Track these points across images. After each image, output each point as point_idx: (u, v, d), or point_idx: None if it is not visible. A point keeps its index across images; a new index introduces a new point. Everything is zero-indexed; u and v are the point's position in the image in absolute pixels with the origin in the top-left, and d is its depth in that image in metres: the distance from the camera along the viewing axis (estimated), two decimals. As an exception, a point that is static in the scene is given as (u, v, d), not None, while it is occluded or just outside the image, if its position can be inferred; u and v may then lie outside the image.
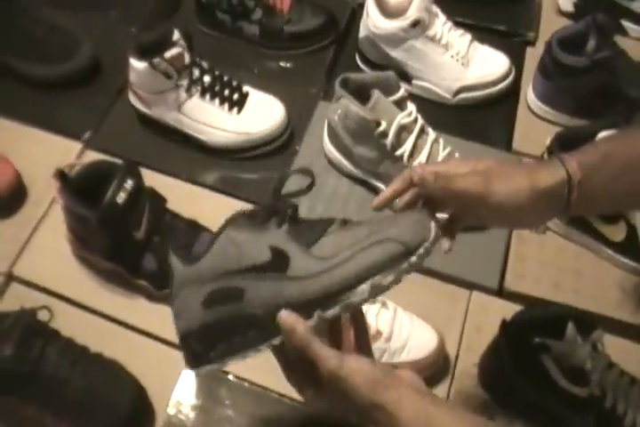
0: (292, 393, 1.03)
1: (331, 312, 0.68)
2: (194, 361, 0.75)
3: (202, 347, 0.73)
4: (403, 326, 1.02)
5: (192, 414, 1.04)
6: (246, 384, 1.06)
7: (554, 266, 1.16)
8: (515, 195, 0.73)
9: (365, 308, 0.98)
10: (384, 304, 1.03)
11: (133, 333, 1.12)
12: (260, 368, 1.07)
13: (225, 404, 1.05)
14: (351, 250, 0.68)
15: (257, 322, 0.69)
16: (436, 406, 0.65)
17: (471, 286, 1.14)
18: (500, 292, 1.14)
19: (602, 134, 1.06)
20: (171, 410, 1.04)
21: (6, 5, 1.35)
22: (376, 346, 0.98)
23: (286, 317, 0.67)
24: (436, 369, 1.05)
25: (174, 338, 1.07)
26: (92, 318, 1.13)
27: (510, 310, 1.00)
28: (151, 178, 1.14)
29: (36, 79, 1.40)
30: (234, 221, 0.72)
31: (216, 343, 0.72)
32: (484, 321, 1.09)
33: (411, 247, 0.67)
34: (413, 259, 0.67)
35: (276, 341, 0.69)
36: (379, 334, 1.00)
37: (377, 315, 1.01)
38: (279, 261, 0.68)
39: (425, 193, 0.78)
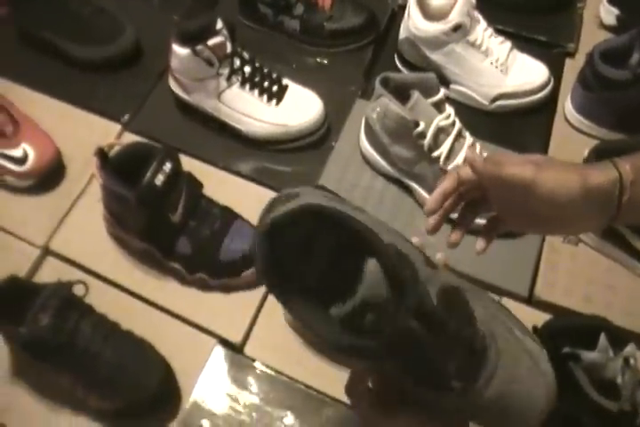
0: (319, 386, 1.06)
1: None
2: None
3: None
4: None
5: (218, 400, 1.06)
6: (273, 373, 1.08)
7: (585, 278, 1.15)
8: (566, 186, 0.71)
9: None
10: None
11: (163, 314, 1.14)
12: (287, 358, 1.09)
13: (252, 391, 1.06)
14: None
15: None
16: None
17: (501, 292, 1.14)
18: (530, 300, 1.14)
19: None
20: (197, 394, 1.06)
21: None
22: None
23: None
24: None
25: (203, 322, 1.12)
26: (124, 297, 1.15)
27: (539, 318, 1.00)
28: (187, 163, 1.15)
29: (79, 60, 1.42)
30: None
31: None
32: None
33: None
34: None
35: None
36: None
37: None
38: None
39: (468, 190, 0.78)
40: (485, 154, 1.17)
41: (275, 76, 1.29)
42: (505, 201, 0.77)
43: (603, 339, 0.91)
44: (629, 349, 0.91)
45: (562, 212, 0.73)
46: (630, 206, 0.71)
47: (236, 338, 1.10)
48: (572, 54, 1.45)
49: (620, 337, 0.93)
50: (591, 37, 1.42)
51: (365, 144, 1.27)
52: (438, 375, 0.63)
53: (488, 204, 0.81)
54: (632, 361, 0.91)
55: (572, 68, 1.39)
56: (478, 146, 1.18)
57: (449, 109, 1.16)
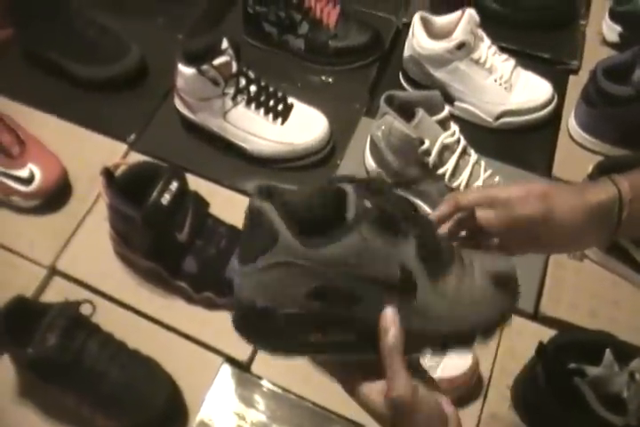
0: (326, 403, 1.06)
1: (435, 354, 0.67)
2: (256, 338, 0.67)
3: (286, 332, 0.65)
4: None
5: (225, 418, 1.05)
6: (280, 391, 1.08)
7: (590, 293, 1.15)
8: (571, 213, 0.72)
9: None
10: None
11: (170, 333, 1.13)
12: (294, 375, 1.08)
13: (259, 409, 1.06)
14: (471, 304, 0.66)
15: (363, 332, 0.64)
16: None
17: (506, 307, 1.14)
18: (535, 316, 1.14)
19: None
20: (204, 412, 1.05)
21: (62, 5, 1.37)
22: None
23: (391, 315, 0.62)
24: (469, 389, 1.05)
25: (210, 340, 1.11)
26: (131, 316, 1.15)
27: (545, 334, 1.00)
28: (193, 183, 1.15)
29: (84, 80, 1.43)
30: (369, 218, 0.62)
31: (300, 334, 0.64)
32: (519, 344, 1.09)
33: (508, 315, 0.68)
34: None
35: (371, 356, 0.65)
36: None
37: None
38: (406, 285, 0.64)
39: (470, 221, 0.76)
40: (488, 172, 1.17)
41: (280, 94, 1.30)
42: (512, 236, 0.76)
43: (608, 354, 0.92)
44: (635, 363, 0.92)
45: (566, 235, 0.74)
46: (629, 222, 0.71)
47: (242, 356, 1.10)
48: (575, 71, 1.46)
49: (625, 352, 0.93)
50: (594, 54, 1.43)
51: (370, 162, 1.27)
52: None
53: (489, 234, 0.80)
54: (638, 376, 0.91)
55: (576, 84, 1.40)
56: (483, 163, 1.18)
57: (453, 127, 1.16)
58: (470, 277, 0.67)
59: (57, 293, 1.16)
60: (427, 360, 1.00)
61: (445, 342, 0.66)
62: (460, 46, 1.29)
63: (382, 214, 0.62)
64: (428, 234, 0.65)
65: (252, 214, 0.62)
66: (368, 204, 0.61)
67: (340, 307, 0.63)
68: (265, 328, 0.65)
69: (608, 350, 0.92)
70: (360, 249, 0.61)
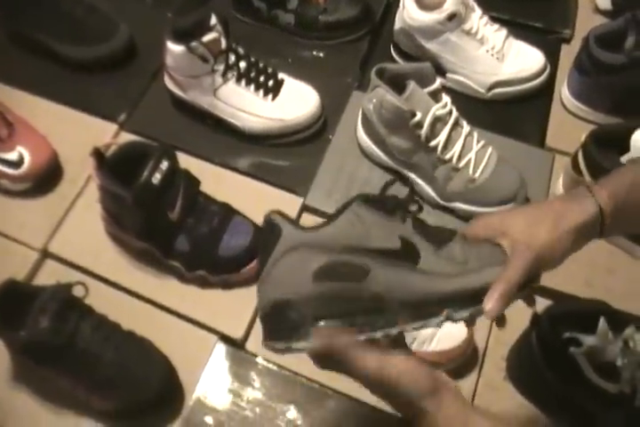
0: (321, 378, 1.06)
1: (460, 314, 0.67)
2: (278, 335, 0.68)
3: (300, 319, 0.66)
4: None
5: (221, 396, 1.05)
6: (276, 368, 1.07)
7: (586, 263, 1.14)
8: (559, 246, 0.72)
9: None
10: None
11: (164, 312, 1.13)
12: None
13: (254, 386, 1.06)
14: (479, 263, 0.68)
15: (380, 307, 0.66)
16: (474, 411, 0.66)
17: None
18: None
19: (637, 133, 1.06)
20: (200, 391, 1.05)
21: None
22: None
23: (323, 331, 0.65)
24: (464, 360, 1.05)
25: (204, 319, 1.11)
26: (124, 297, 1.15)
27: (540, 304, 0.99)
28: (184, 161, 1.14)
29: (73, 60, 1.41)
30: (361, 199, 0.68)
31: (321, 319, 0.66)
32: (513, 315, 1.08)
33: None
34: None
35: (395, 330, 0.66)
36: None
37: None
38: (409, 252, 0.67)
39: None
40: (481, 143, 1.16)
41: (270, 70, 1.29)
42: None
43: (602, 322, 0.91)
44: (629, 331, 0.92)
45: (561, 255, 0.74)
46: (612, 228, 0.74)
47: (237, 334, 1.10)
48: (567, 40, 1.45)
49: (619, 320, 0.93)
50: (586, 22, 1.41)
51: (362, 136, 1.26)
52: None
53: None
54: (632, 344, 0.91)
55: (568, 53, 1.38)
56: (475, 134, 1.17)
57: (445, 99, 1.15)
58: (477, 247, 0.70)
59: (49, 275, 1.16)
60: (421, 332, 1.00)
61: (454, 302, 0.67)
62: (451, 17, 1.28)
63: (371, 196, 0.69)
64: (415, 215, 0.70)
65: (265, 230, 0.69)
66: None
67: (348, 283, 0.65)
68: (286, 322, 0.67)
69: (602, 319, 0.92)
70: (355, 224, 0.66)
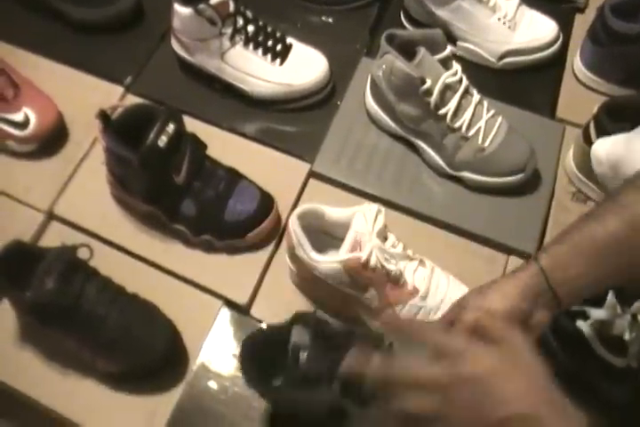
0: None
1: None
2: None
3: None
4: (439, 285, 1.02)
5: (225, 361, 1.06)
6: (280, 334, 1.08)
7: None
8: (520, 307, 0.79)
9: (404, 264, 0.99)
10: (422, 262, 1.03)
11: (169, 276, 1.13)
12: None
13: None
14: None
15: None
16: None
17: (509, 250, 1.14)
18: (538, 260, 1.13)
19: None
20: (204, 355, 1.06)
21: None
22: (412, 303, 0.99)
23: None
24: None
25: (209, 284, 1.11)
26: (129, 260, 1.15)
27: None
28: (191, 125, 1.13)
29: (79, 22, 1.39)
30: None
31: None
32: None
33: None
34: None
35: None
36: (415, 291, 0.99)
37: (414, 271, 1.01)
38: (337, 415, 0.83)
39: None
40: (491, 112, 1.15)
41: (279, 35, 1.27)
42: None
43: (611, 296, 0.91)
44: (638, 305, 0.91)
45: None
46: (569, 292, 0.79)
47: (242, 299, 1.09)
48: (581, 9, 1.43)
49: (628, 294, 0.93)
50: (602, -9, 1.39)
51: (371, 102, 1.25)
52: None
53: None
54: (640, 318, 0.91)
55: (582, 23, 1.37)
56: (486, 103, 1.16)
57: (456, 66, 1.14)
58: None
59: (54, 237, 1.15)
60: (427, 301, 1.00)
61: None
62: (464, -17, 1.26)
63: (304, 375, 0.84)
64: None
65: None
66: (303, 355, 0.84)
67: None
68: None
69: (611, 293, 0.91)
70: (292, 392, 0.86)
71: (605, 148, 1.10)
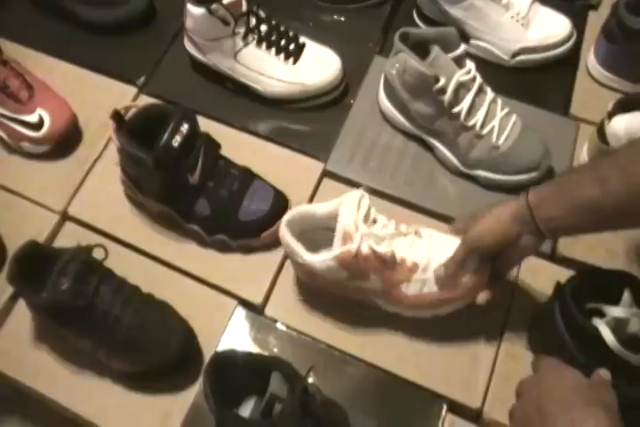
0: (340, 345, 1.06)
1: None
2: None
3: None
4: (440, 249, 1.00)
5: (240, 361, 1.05)
6: (295, 334, 1.08)
7: (609, 233, 1.11)
8: (487, 232, 0.93)
9: (399, 242, 1.00)
10: (417, 233, 1.02)
11: (183, 276, 1.14)
12: (309, 318, 1.08)
13: (273, 352, 1.06)
14: None
15: None
16: None
17: (524, 249, 1.13)
18: (553, 256, 1.13)
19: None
20: (219, 355, 1.06)
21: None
22: (415, 278, 0.99)
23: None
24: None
25: (224, 283, 1.12)
26: (143, 260, 1.15)
27: (562, 274, 0.99)
28: (205, 125, 1.13)
29: (92, 23, 1.40)
30: None
31: None
32: (536, 285, 1.09)
33: None
34: None
35: None
36: (415, 266, 0.98)
37: (411, 246, 1.00)
38: None
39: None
40: (505, 111, 1.15)
41: (291, 34, 1.27)
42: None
43: (627, 294, 0.90)
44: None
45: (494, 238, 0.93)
46: (548, 227, 0.88)
47: (256, 299, 1.10)
48: (595, 7, 1.42)
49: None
50: (615, -12, 1.38)
51: (384, 101, 1.25)
52: None
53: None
54: (657, 316, 0.90)
55: (596, 20, 1.36)
56: (499, 101, 1.15)
57: (469, 64, 1.13)
58: None
59: (69, 238, 1.15)
60: (428, 273, 0.99)
61: None
62: (477, -19, 1.26)
63: None
64: None
65: None
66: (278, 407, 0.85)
67: None
68: None
69: (627, 290, 0.91)
70: None
71: (624, 123, 1.09)
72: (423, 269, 0.99)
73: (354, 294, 1.04)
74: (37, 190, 1.23)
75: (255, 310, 1.10)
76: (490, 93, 1.15)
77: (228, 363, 0.91)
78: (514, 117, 1.15)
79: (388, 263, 0.97)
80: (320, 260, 0.98)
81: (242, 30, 1.22)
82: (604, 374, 0.83)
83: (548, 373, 0.83)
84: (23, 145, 1.24)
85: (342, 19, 1.44)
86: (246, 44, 1.24)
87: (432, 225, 1.14)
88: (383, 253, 0.95)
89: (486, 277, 0.99)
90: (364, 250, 0.95)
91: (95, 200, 1.21)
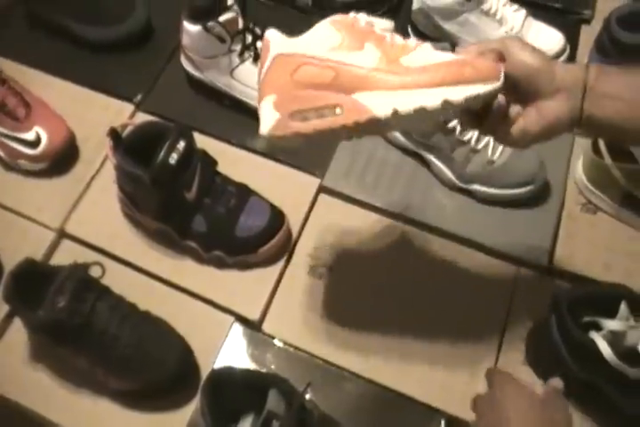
0: (338, 361, 1.06)
1: None
2: None
3: None
4: None
5: (237, 378, 1.05)
6: (292, 350, 1.08)
7: (605, 247, 1.14)
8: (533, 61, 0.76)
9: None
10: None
11: (180, 293, 1.13)
12: (306, 334, 1.08)
13: (270, 368, 1.06)
14: None
15: None
16: None
17: (520, 262, 1.13)
18: (550, 270, 1.13)
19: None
20: (216, 371, 1.06)
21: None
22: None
23: None
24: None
25: (221, 300, 1.12)
26: (140, 277, 1.15)
27: (559, 288, 0.99)
28: (201, 142, 1.14)
29: (90, 41, 1.40)
30: None
31: None
32: (532, 298, 1.09)
33: None
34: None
35: None
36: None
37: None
38: None
39: None
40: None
41: (287, 51, 1.28)
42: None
43: (623, 307, 0.90)
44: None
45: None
46: (594, 105, 0.74)
47: (253, 315, 1.10)
48: (587, 21, 1.42)
49: (641, 305, 0.92)
50: (607, 3, 1.37)
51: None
52: None
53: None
54: (654, 329, 0.90)
55: (588, 35, 1.36)
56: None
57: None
58: None
59: (66, 255, 1.16)
60: None
61: None
62: (471, -3, 1.27)
63: None
64: None
65: None
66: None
67: None
68: None
69: (624, 303, 0.91)
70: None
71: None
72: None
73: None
74: (34, 208, 1.23)
75: (252, 326, 1.10)
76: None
77: (225, 380, 0.91)
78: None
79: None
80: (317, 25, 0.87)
81: (238, 47, 1.23)
82: (556, 383, 0.83)
83: (500, 390, 0.82)
84: (20, 163, 1.25)
85: (338, 35, 1.44)
86: (243, 61, 1.24)
87: (429, 239, 1.15)
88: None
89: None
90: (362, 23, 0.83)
91: (92, 218, 1.21)
